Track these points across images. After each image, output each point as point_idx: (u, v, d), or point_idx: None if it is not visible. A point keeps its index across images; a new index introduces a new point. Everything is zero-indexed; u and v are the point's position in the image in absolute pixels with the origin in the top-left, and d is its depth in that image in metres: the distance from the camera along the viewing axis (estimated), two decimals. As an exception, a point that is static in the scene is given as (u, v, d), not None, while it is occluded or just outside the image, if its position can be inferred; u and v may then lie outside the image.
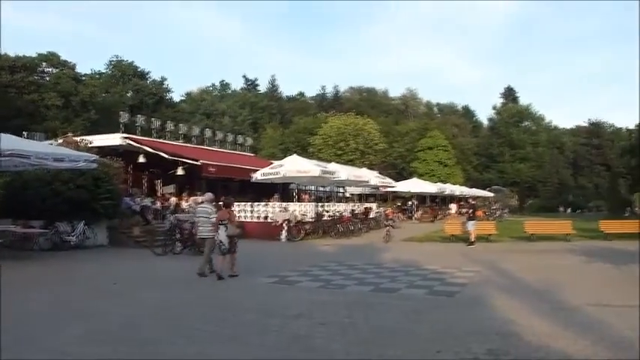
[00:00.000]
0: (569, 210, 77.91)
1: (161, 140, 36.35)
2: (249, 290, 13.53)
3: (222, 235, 15.35)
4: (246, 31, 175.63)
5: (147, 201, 29.33)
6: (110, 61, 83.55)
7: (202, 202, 17.91)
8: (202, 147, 40.52)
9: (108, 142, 30.88)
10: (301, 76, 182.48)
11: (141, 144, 31.88)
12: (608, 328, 8.96)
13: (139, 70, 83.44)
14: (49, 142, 28.68)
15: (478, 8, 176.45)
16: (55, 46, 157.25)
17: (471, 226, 26.36)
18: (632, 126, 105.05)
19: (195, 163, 31.21)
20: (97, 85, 75.70)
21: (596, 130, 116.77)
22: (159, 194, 34.37)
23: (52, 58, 68.27)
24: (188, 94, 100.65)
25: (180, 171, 31.73)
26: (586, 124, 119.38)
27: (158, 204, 30.67)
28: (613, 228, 28.42)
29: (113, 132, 33.44)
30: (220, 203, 16.38)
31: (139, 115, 37.63)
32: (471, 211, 28.59)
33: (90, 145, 27.32)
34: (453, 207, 55.98)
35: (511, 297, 12.02)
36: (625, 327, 8.96)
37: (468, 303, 11.62)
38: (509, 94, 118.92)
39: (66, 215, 23.03)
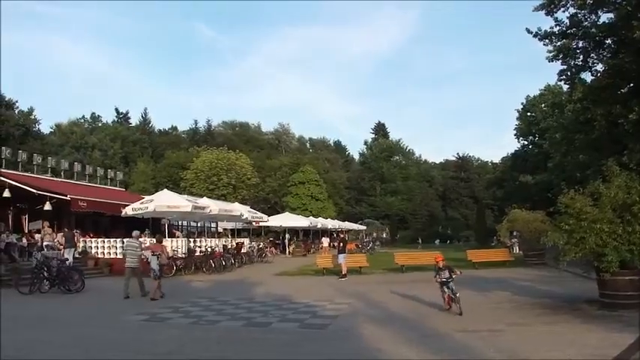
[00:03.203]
0: (434, 241, 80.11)
1: (28, 174, 35.29)
2: (119, 328, 13.51)
3: (154, 263, 19.13)
4: (118, 63, 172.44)
5: (12, 237, 28.37)
6: (-25, 90, 79.94)
7: (131, 238, 21.57)
8: (71, 181, 39.57)
9: (-30, 176, 29.79)
10: (174, 110, 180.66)
11: (6, 177, 30.84)
12: (474, 352, 9.64)
13: (5, 99, 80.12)
14: None
15: (350, 46, 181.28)
16: None
17: (342, 259, 27.01)
18: (496, 160, 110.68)
19: (64, 198, 30.52)
20: (-42, 114, 72.28)
21: (463, 164, 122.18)
22: (25, 230, 33.20)
23: None
24: (57, 126, 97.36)
25: (47, 206, 30.86)
26: (454, 159, 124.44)
27: (24, 241, 29.68)
28: (480, 257, 30.04)
29: (-24, 165, 32.25)
30: (148, 239, 22.18)
31: (4, 147, 36.35)
32: (341, 244, 29.25)
33: (-51, 179, 26.32)
34: (325, 241, 56.71)
35: (382, 327, 12.57)
36: (490, 350, 9.69)
37: (339, 335, 12.07)
38: (380, 130, 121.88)
39: None
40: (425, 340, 10.86)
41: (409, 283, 22.84)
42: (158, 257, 19.34)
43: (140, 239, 21.20)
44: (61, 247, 28.49)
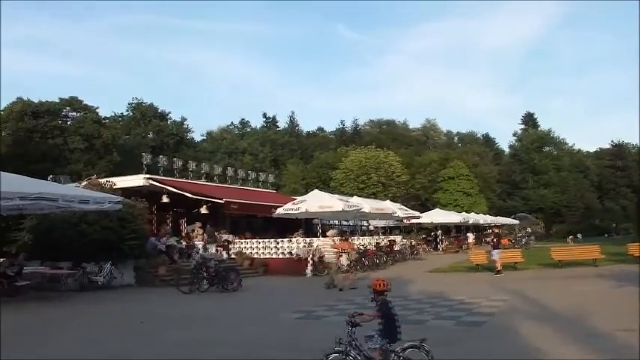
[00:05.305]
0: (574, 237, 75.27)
1: (184, 180, 36.52)
2: (275, 326, 13.52)
3: (343, 259, 22.57)
4: (264, 69, 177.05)
5: (172, 240, 29.44)
6: (130, 104, 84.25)
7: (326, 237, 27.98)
8: (225, 185, 40.68)
9: (131, 184, 31.17)
10: (320, 112, 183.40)
11: (164, 184, 32.10)
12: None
13: (159, 111, 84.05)
14: (74, 184, 28.89)
15: (492, 36, 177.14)
16: (76, 91, 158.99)
17: (496, 254, 26.16)
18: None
19: (219, 201, 31.33)
20: (118, 127, 76.42)
21: (619, 151, 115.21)
22: (183, 233, 34.40)
23: (74, 103, 68.50)
24: (209, 134, 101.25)
25: (203, 209, 31.82)
26: (609, 147, 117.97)
27: (183, 243, 30.74)
28: (642, 250, 27.86)
29: (136, 173, 33.64)
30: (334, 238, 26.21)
31: (160, 156, 37.93)
32: (495, 239, 28.42)
33: (114, 187, 27.61)
34: (471, 236, 55.46)
35: (539, 325, 11.88)
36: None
37: (496, 332, 11.52)
38: (530, 120, 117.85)
39: (93, 256, 23.24)
40: (586, 339, 10.09)
41: (567, 278, 21.76)
42: (347, 254, 22.54)
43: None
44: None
